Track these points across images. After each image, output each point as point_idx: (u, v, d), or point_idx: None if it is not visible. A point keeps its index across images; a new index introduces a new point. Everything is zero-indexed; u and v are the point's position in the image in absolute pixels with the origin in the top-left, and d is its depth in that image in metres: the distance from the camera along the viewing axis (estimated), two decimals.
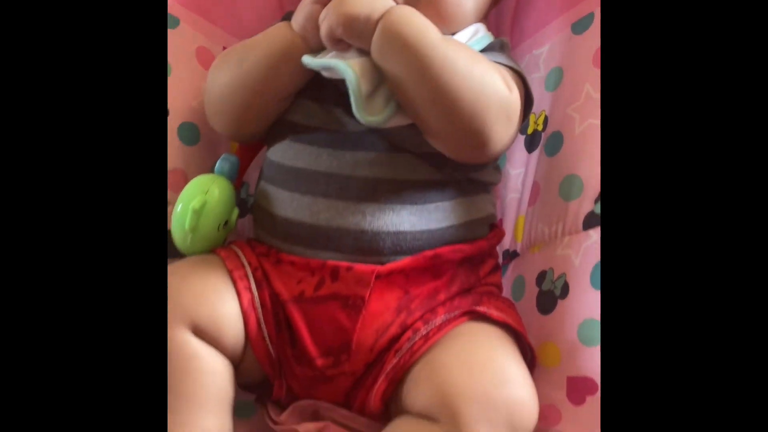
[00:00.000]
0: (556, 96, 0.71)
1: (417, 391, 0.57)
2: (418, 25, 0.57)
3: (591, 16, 0.70)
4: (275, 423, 0.64)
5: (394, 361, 0.59)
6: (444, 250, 0.62)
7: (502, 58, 0.64)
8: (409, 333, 0.60)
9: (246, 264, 0.63)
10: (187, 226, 0.64)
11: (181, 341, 0.58)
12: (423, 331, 0.59)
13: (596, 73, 0.67)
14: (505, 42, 0.69)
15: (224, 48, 0.77)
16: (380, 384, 0.59)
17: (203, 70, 0.75)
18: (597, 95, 0.67)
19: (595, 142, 0.65)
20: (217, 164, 0.71)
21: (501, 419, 0.53)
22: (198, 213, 0.64)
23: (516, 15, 0.79)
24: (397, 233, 0.61)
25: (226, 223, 0.68)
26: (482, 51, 0.64)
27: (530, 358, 0.63)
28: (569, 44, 0.71)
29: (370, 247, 0.61)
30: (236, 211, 0.69)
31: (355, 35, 0.57)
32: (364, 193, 0.61)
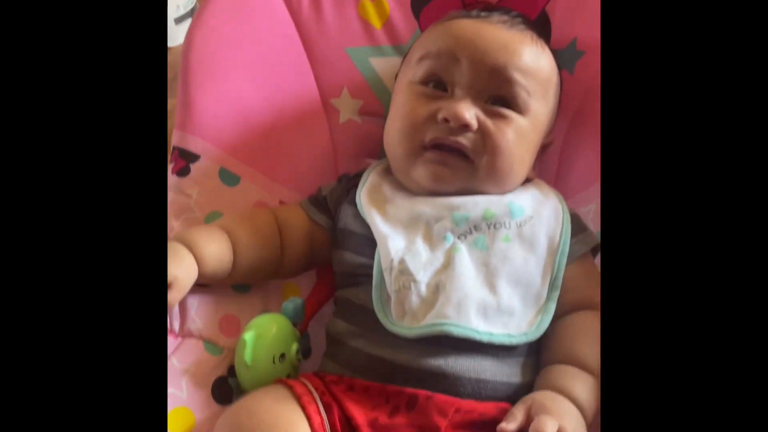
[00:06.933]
0: None
1: None
2: None
3: None
4: None
5: None
6: None
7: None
8: None
9: (312, 389, 0.65)
10: (239, 355, 0.69)
11: None
12: None
13: None
14: (577, 219, 0.72)
15: (281, 202, 0.81)
16: None
17: None
18: None
19: None
20: (283, 305, 0.76)
21: None
22: (248, 343, 0.69)
23: (560, 170, 0.81)
24: (478, 380, 0.63)
25: (282, 355, 0.72)
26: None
27: None
28: None
29: (450, 390, 0.62)
30: (295, 346, 0.73)
31: None
32: (446, 339, 0.63)
